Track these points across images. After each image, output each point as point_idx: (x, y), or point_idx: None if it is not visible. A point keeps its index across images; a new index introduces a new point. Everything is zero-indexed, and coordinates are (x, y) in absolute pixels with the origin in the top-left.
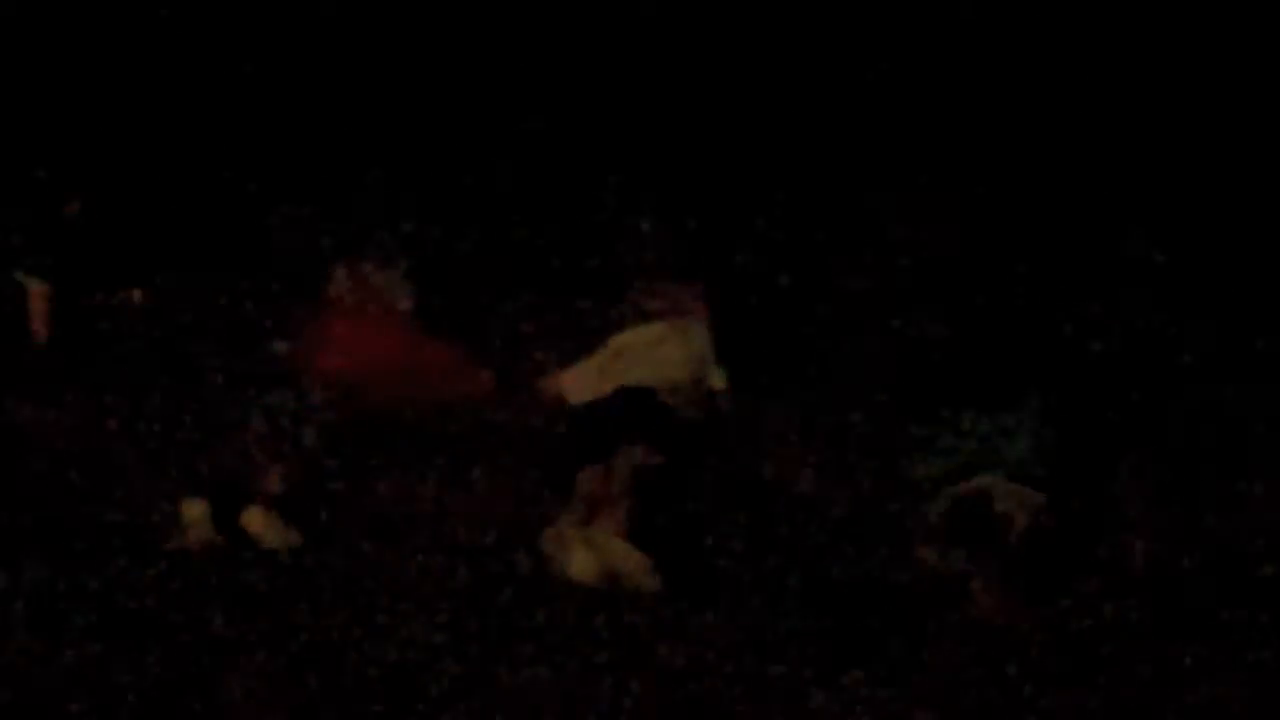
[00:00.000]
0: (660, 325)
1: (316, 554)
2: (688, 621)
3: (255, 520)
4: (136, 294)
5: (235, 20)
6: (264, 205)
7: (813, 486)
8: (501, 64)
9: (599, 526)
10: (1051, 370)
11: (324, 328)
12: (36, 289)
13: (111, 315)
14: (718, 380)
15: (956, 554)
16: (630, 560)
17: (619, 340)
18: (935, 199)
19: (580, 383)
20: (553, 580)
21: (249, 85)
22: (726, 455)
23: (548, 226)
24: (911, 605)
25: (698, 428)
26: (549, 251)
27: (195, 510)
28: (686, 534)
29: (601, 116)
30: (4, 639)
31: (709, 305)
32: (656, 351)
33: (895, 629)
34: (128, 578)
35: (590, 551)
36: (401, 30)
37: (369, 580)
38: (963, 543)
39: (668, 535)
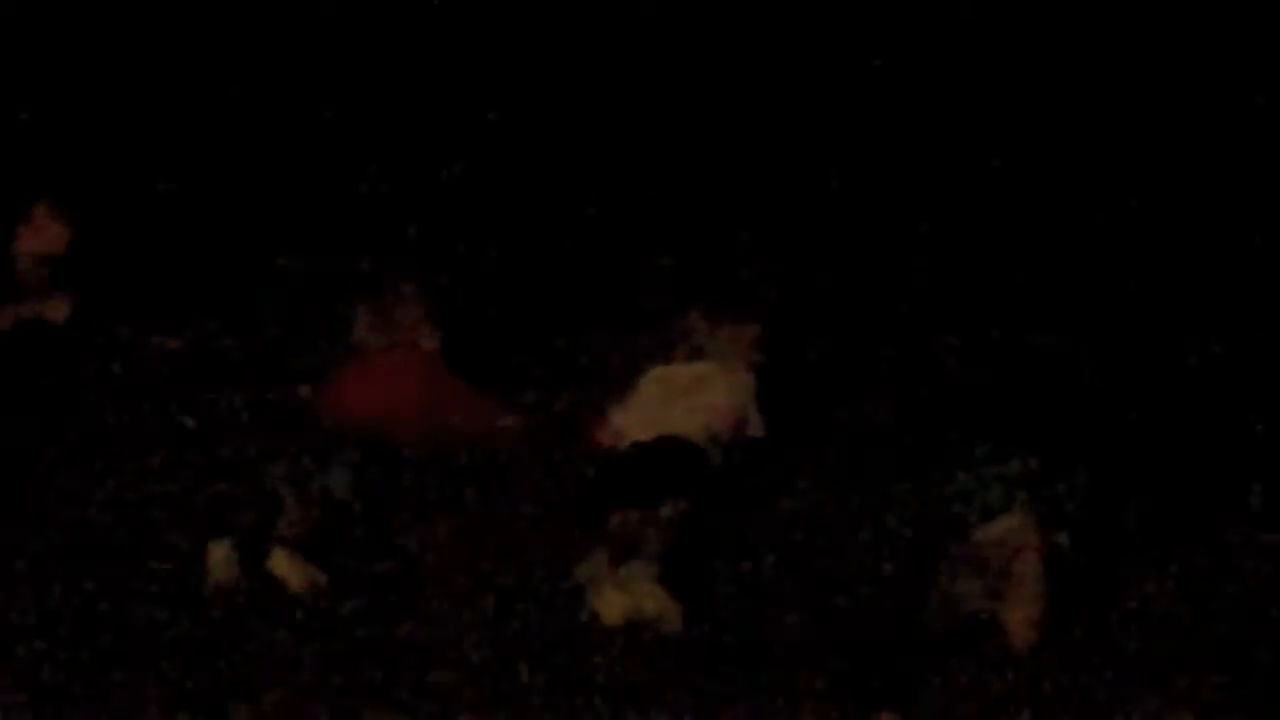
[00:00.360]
0: (705, 366)
1: (342, 596)
2: (716, 662)
3: (281, 563)
4: (170, 340)
5: (256, 60)
6: (288, 247)
7: (842, 527)
8: (534, 97)
9: (630, 568)
10: (1077, 412)
11: (348, 369)
12: None
13: (138, 358)
14: (757, 428)
15: (984, 594)
16: (660, 603)
17: (661, 373)
18: (969, 246)
19: (623, 423)
20: (581, 619)
21: (272, 126)
22: (757, 498)
23: (581, 260)
24: (941, 644)
25: (733, 475)
26: (580, 286)
27: (220, 553)
28: (716, 577)
29: (652, 145)
30: (26, 680)
31: (760, 349)
32: (700, 394)
33: (926, 668)
34: (151, 620)
35: (620, 592)
36: (428, 65)
37: (396, 622)
38: (989, 583)
39: (698, 578)
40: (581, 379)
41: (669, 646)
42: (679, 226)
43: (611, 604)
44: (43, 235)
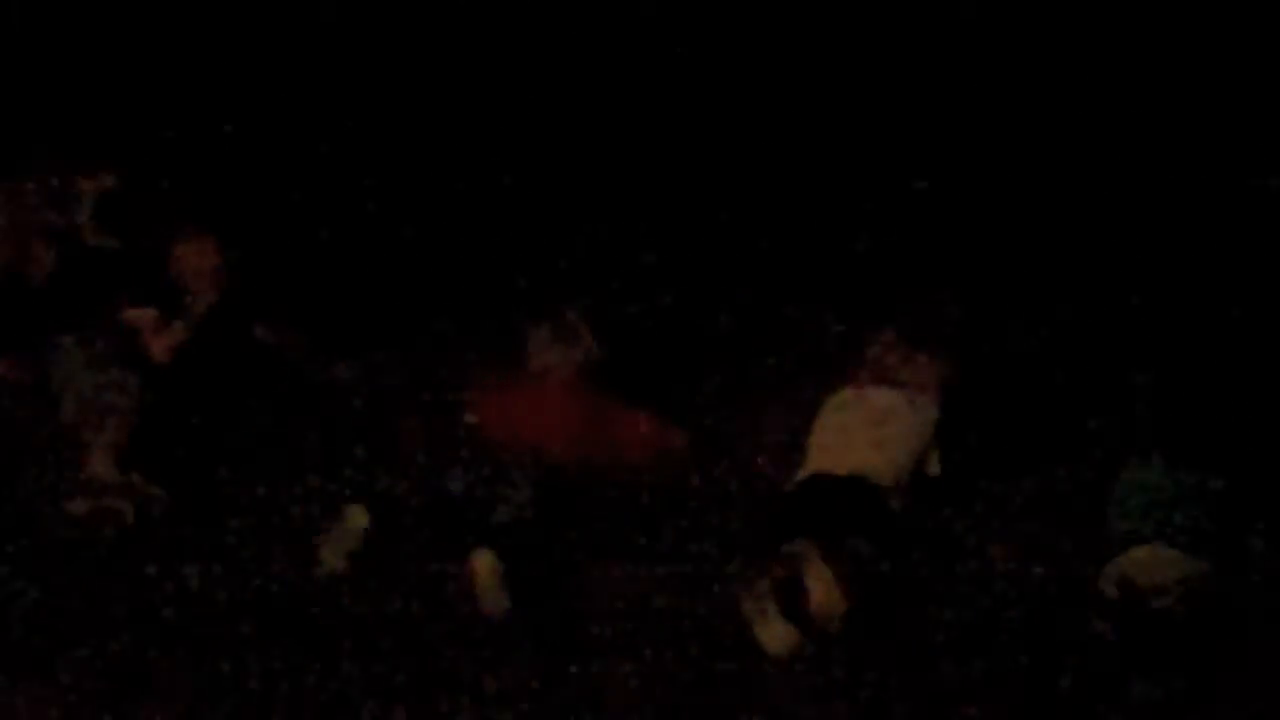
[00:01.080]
0: (893, 394)
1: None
2: (884, 682)
3: (484, 565)
4: (341, 367)
5: (417, 84)
6: (454, 274)
7: (1001, 552)
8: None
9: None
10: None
11: (513, 394)
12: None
13: (308, 385)
14: (934, 466)
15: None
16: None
17: (845, 399)
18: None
19: (804, 452)
20: (750, 649)
21: (436, 154)
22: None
23: (762, 283)
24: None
25: (907, 514)
26: (758, 308)
27: (486, 563)
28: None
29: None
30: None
31: (946, 384)
32: (886, 426)
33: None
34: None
35: (789, 624)
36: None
37: (561, 647)
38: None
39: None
40: (759, 402)
41: (830, 679)
42: (869, 248)
43: (776, 636)
44: (195, 260)
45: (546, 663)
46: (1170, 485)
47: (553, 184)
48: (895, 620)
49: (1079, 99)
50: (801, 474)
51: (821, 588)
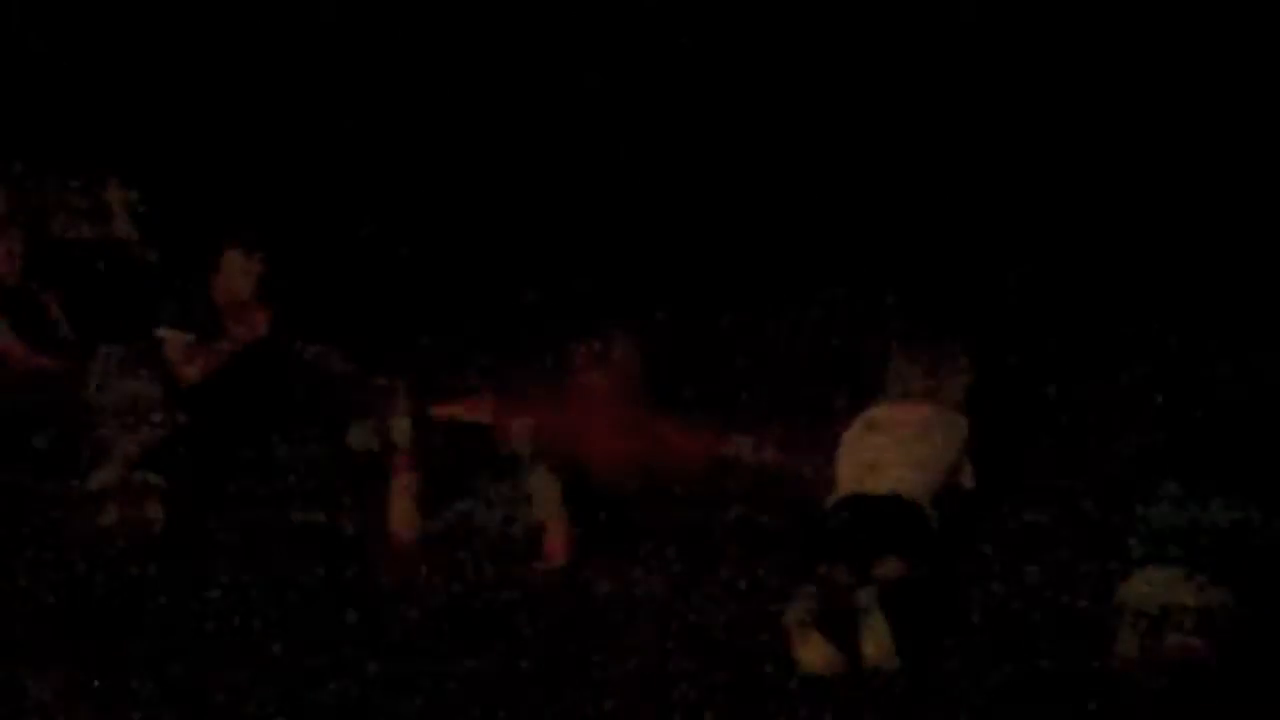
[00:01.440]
0: (922, 409)
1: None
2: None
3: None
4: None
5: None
6: (501, 286)
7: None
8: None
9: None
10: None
11: (561, 417)
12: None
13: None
14: (969, 479)
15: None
16: (880, 643)
17: (876, 416)
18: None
19: (838, 469)
20: (788, 668)
21: (483, 184)
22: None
23: (792, 300)
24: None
25: (945, 530)
26: (791, 326)
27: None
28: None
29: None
30: None
31: (970, 395)
32: (919, 442)
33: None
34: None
35: (827, 644)
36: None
37: (601, 665)
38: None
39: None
40: (791, 420)
41: (869, 696)
42: (895, 265)
43: (814, 653)
44: (235, 278)
45: (579, 667)
46: (1190, 511)
47: (595, 206)
48: (930, 640)
49: (1104, 118)
50: (837, 494)
51: (876, 640)
